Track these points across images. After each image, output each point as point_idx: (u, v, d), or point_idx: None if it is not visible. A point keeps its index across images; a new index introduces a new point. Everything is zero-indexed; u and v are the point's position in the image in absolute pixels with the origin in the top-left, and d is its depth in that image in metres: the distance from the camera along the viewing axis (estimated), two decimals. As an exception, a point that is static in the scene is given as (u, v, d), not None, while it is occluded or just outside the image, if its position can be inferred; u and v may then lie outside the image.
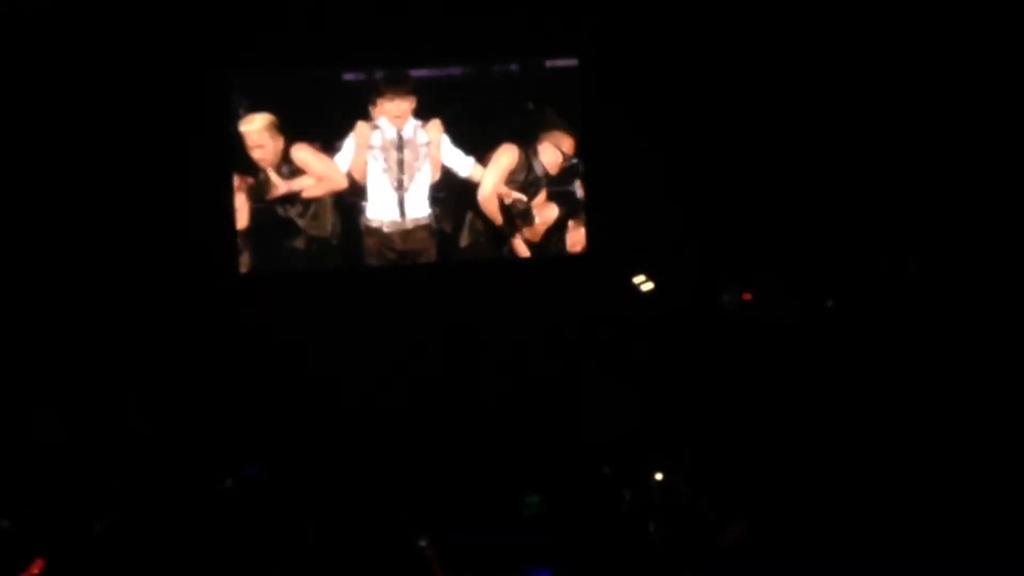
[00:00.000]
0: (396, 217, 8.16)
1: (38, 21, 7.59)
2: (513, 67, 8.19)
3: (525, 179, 8.23)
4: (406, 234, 8.16)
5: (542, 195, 8.23)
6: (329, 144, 8.08)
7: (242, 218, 8.04)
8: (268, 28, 7.77)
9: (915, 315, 7.57)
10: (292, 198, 8.09)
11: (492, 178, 8.20)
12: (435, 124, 8.12)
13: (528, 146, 8.21)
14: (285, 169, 8.08)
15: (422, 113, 8.10)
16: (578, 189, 8.24)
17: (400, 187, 8.14)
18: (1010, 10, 7.65)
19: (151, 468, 6.87)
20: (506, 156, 8.21)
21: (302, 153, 8.07)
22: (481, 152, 8.19)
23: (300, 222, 8.11)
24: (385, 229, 8.15)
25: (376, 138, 8.12)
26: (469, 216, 8.22)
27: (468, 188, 8.18)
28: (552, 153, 8.20)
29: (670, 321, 7.80)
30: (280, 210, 8.08)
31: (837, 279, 7.89)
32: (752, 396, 7.32)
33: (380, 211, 8.15)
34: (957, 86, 7.78)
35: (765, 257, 7.96)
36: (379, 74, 8.05)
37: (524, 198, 8.22)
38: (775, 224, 7.94)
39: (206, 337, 7.74)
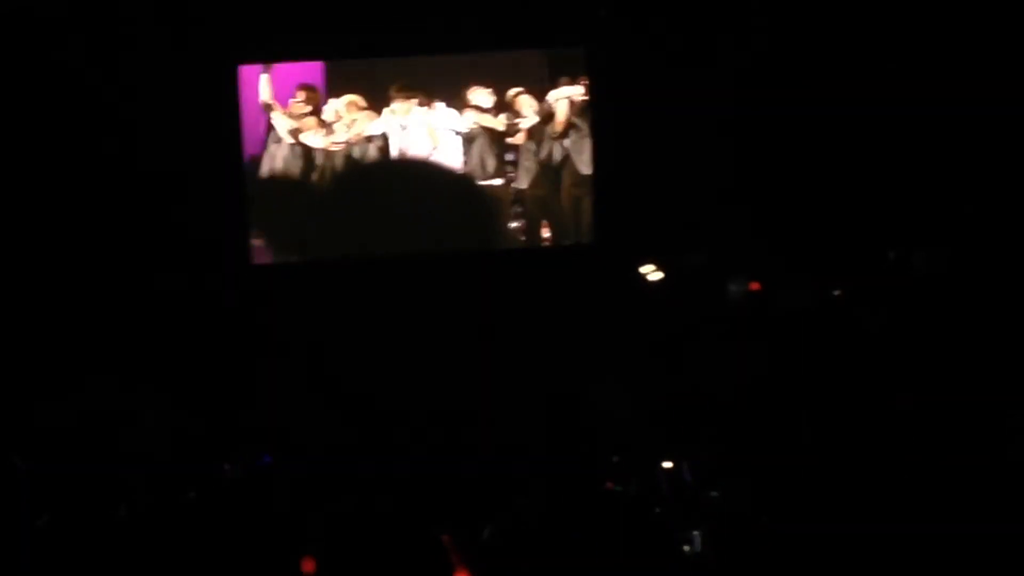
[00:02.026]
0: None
1: (43, 11, 7.62)
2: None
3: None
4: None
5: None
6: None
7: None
8: (274, 15, 7.81)
9: (923, 306, 7.58)
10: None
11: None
12: None
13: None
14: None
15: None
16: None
17: None
18: (1014, 4, 7.64)
19: (166, 457, 6.92)
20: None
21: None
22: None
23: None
24: None
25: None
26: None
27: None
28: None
29: (679, 310, 7.83)
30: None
31: (845, 268, 7.90)
32: (760, 384, 7.35)
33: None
34: (966, 76, 7.77)
35: (773, 246, 7.96)
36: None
37: None
38: (783, 213, 7.94)
39: (217, 328, 7.79)
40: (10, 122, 7.65)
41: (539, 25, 7.96)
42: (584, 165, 8.18)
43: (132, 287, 7.79)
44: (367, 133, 8.09)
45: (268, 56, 7.98)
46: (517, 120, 8.12)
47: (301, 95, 8.04)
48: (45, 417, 7.26)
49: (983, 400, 6.71)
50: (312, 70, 8.12)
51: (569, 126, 8.15)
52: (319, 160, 8.12)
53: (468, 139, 8.12)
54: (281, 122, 8.05)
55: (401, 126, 8.11)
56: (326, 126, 8.08)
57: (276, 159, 8.08)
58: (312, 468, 6.77)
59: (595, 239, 8.17)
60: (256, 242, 8.16)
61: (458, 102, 8.11)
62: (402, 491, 6.37)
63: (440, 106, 8.10)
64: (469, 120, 8.10)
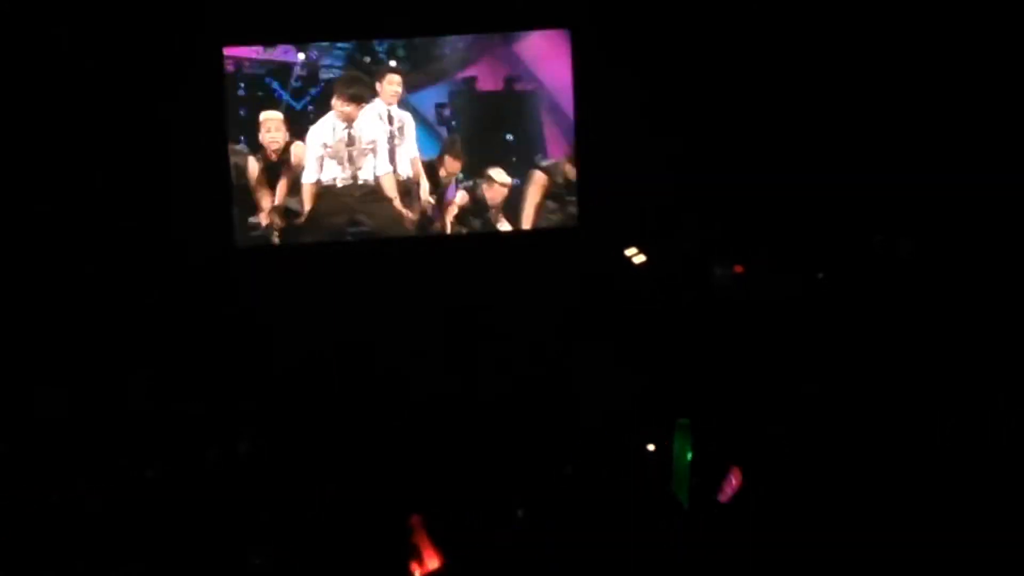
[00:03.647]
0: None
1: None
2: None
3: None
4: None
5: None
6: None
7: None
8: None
9: (907, 290, 7.60)
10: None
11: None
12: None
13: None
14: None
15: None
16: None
17: None
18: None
19: (151, 442, 6.91)
20: None
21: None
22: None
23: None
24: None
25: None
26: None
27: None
28: None
29: (662, 294, 7.84)
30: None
31: (829, 252, 7.91)
32: (745, 368, 7.37)
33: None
34: (952, 63, 7.78)
35: (757, 230, 7.97)
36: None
37: None
38: (768, 197, 7.94)
39: (199, 312, 7.78)
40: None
41: (524, 7, 7.95)
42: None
43: (115, 273, 7.78)
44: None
45: (253, 39, 7.95)
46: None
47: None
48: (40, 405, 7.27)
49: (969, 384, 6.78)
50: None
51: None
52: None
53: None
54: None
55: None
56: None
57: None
58: (293, 453, 6.81)
59: (580, 223, 8.18)
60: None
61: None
62: (382, 475, 6.41)
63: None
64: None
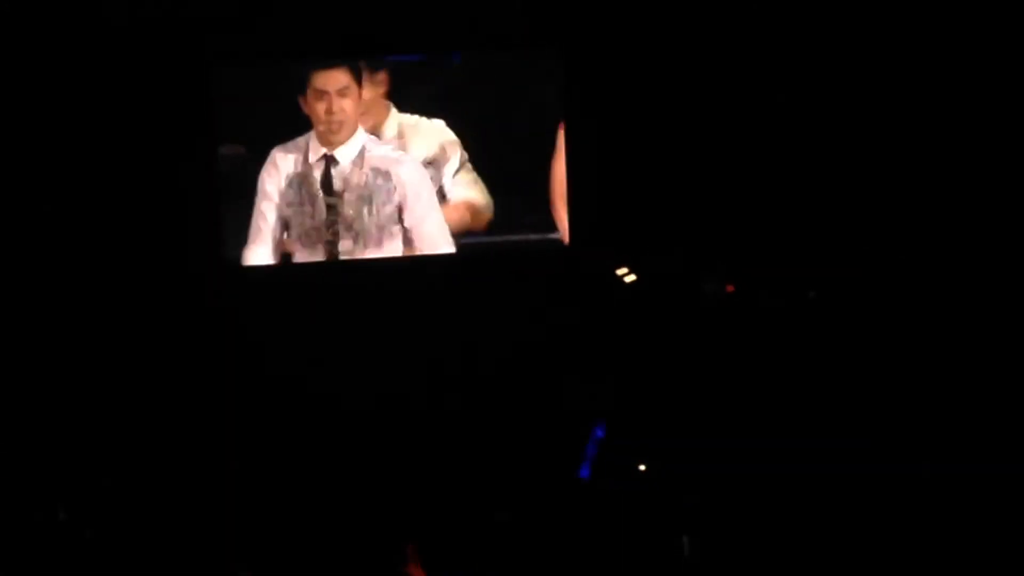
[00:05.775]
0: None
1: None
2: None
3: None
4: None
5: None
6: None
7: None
8: (248, 14, 7.79)
9: (899, 306, 7.61)
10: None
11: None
12: None
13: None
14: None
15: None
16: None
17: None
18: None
19: (132, 461, 6.89)
20: None
21: None
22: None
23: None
24: None
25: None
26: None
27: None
28: None
29: (653, 313, 7.83)
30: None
31: (820, 270, 7.91)
32: (736, 386, 7.37)
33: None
34: (935, 77, 7.80)
35: (748, 248, 7.97)
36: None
37: None
38: (758, 214, 7.95)
39: (186, 330, 7.75)
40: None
41: (512, 25, 7.94)
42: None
43: (99, 289, 7.75)
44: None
45: (243, 56, 7.94)
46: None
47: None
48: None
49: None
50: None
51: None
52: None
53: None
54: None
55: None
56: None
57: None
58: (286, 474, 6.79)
59: (571, 240, 8.16)
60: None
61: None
62: (375, 496, 6.38)
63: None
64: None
